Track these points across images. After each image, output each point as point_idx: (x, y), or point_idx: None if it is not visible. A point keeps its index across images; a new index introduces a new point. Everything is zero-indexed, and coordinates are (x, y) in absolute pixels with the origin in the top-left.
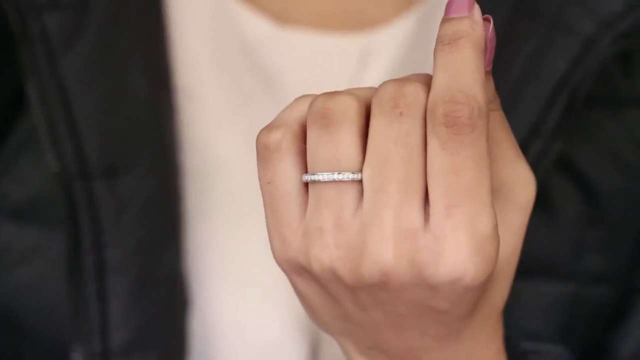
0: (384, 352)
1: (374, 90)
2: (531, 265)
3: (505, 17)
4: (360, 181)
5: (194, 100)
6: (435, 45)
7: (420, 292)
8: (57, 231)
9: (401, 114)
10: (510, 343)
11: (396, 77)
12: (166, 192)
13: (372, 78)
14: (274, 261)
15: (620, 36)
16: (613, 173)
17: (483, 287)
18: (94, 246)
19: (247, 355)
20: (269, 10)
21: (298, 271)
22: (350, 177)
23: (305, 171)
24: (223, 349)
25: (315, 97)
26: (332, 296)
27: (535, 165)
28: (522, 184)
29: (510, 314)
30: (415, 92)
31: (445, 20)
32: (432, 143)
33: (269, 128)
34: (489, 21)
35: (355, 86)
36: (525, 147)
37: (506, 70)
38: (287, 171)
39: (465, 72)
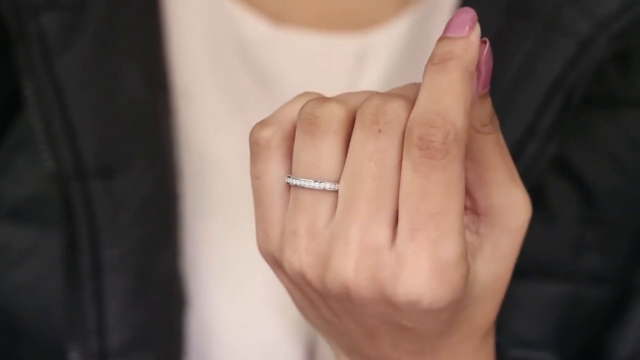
0: (363, 357)
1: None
2: (529, 265)
3: (501, 18)
4: (337, 192)
5: (191, 101)
6: (427, 63)
7: (383, 309)
8: (54, 231)
9: (379, 131)
10: (501, 350)
11: (394, 77)
12: (163, 192)
13: (369, 78)
14: None
15: (616, 36)
16: (610, 173)
17: (450, 311)
18: (90, 246)
19: (245, 356)
20: (266, 10)
21: (277, 266)
22: (327, 187)
23: (291, 172)
24: (220, 350)
25: (307, 102)
26: (308, 299)
27: (531, 166)
28: (514, 209)
29: (507, 315)
30: (396, 110)
31: (441, 38)
32: (405, 164)
33: (262, 124)
34: (485, 43)
35: (353, 86)
36: (521, 147)
37: (502, 70)
38: (273, 169)
39: (447, 96)
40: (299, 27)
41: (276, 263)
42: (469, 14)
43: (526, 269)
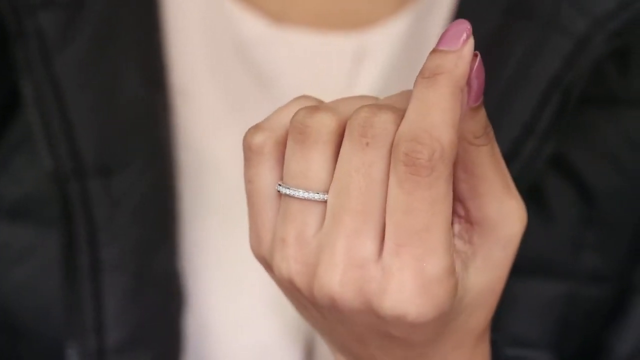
0: (356, 357)
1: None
2: (528, 264)
3: (500, 18)
4: (326, 202)
5: (189, 101)
6: (417, 76)
7: (370, 319)
8: (53, 230)
9: (367, 144)
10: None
11: (392, 76)
12: (161, 191)
13: (368, 77)
14: None
15: (614, 34)
16: (609, 172)
17: (436, 323)
18: (89, 245)
19: (243, 355)
20: (264, 9)
21: (268, 268)
22: (316, 197)
23: (282, 178)
24: (218, 348)
25: (298, 110)
26: (298, 301)
27: (529, 164)
28: (508, 220)
29: (505, 314)
30: (384, 123)
31: (434, 51)
32: (392, 179)
33: (255, 129)
34: (477, 57)
35: (352, 85)
36: (519, 145)
37: (500, 69)
38: (265, 175)
39: (435, 112)
40: (297, 27)
41: (268, 265)
42: (464, 25)
43: (525, 267)
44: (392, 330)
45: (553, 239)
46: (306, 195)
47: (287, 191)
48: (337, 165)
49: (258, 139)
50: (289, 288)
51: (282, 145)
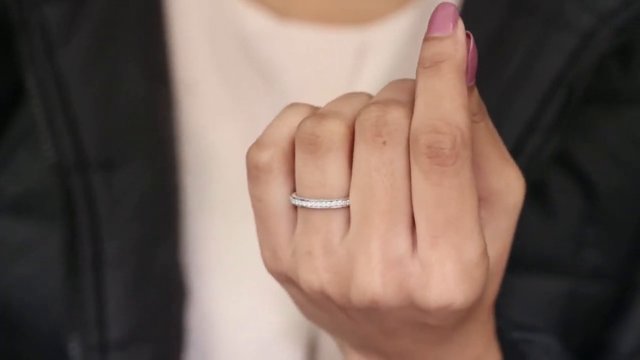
0: (378, 352)
1: (365, 101)
2: (530, 261)
3: (503, 13)
4: (348, 206)
5: (192, 95)
6: (417, 67)
7: (410, 313)
8: (54, 226)
9: (384, 142)
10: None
11: (395, 72)
12: (164, 185)
13: (370, 74)
14: None
15: (619, 30)
16: (611, 170)
17: (476, 304)
18: (91, 239)
19: (245, 350)
20: (268, 5)
21: (288, 282)
22: (338, 205)
23: (294, 189)
24: (220, 343)
25: (303, 120)
26: (321, 307)
27: (532, 160)
28: (510, 189)
29: (508, 310)
30: (397, 119)
31: (427, 39)
32: (415, 173)
33: (258, 146)
34: (470, 37)
35: (354, 81)
36: (522, 142)
37: (504, 65)
38: (277, 191)
39: (446, 99)
40: (300, 22)
41: (288, 280)
42: (450, 9)
43: (526, 263)
44: (430, 320)
45: (555, 236)
46: (327, 204)
47: (306, 203)
48: (354, 169)
49: (264, 156)
50: (319, 298)
51: (289, 158)
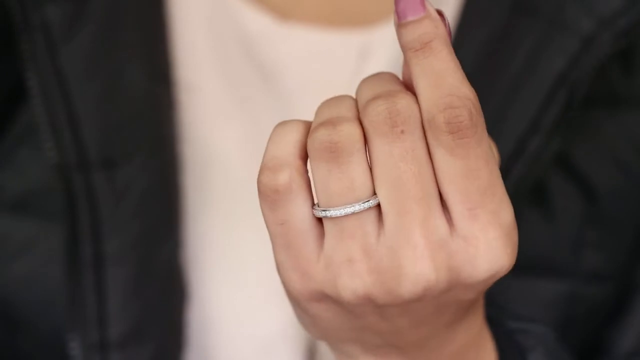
0: (395, 347)
1: (351, 103)
2: (529, 262)
3: (505, 14)
4: (377, 205)
5: (194, 94)
6: (406, 53)
7: (453, 293)
8: (55, 223)
9: (402, 132)
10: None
11: (397, 73)
12: (165, 184)
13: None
14: (272, 256)
15: (620, 34)
16: (612, 172)
17: None
18: (92, 237)
19: (245, 349)
20: (270, 5)
21: (319, 299)
22: (368, 206)
23: (313, 203)
24: (221, 342)
25: (314, 130)
26: (353, 315)
27: (534, 162)
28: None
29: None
30: (408, 106)
31: (403, 25)
32: (439, 153)
33: (272, 170)
34: (442, 14)
35: (356, 82)
36: (523, 143)
37: (506, 66)
38: (300, 210)
39: (448, 74)
40: (302, 23)
41: (322, 297)
42: None
43: (526, 265)
44: (467, 296)
45: (555, 238)
46: (359, 207)
47: (337, 212)
48: (376, 165)
49: (282, 178)
50: (360, 304)
51: (304, 174)
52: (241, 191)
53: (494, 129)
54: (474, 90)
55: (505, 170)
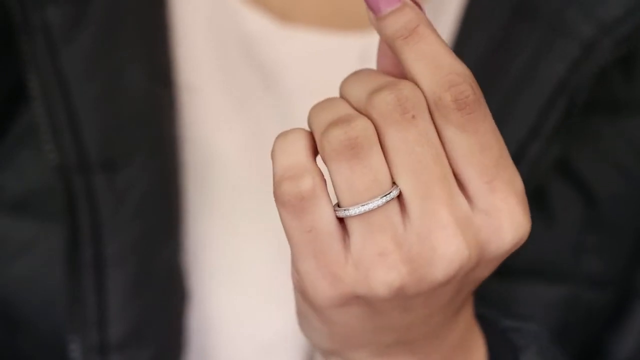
0: (405, 343)
1: (343, 103)
2: (529, 267)
3: (506, 19)
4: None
5: (195, 96)
6: (395, 43)
7: (477, 271)
8: (55, 224)
9: (413, 116)
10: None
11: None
12: (165, 186)
13: None
14: (272, 258)
15: (621, 40)
16: (612, 177)
17: None
18: (92, 239)
19: (245, 351)
20: (271, 8)
21: (347, 303)
22: (393, 195)
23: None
24: (221, 344)
25: (327, 131)
26: (377, 312)
27: (534, 167)
28: None
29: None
30: (413, 92)
31: (383, 18)
32: (450, 131)
33: (292, 179)
34: (417, 2)
35: None
36: (523, 148)
37: (506, 71)
38: (324, 213)
39: (442, 55)
40: (303, 25)
41: (353, 299)
42: None
43: (526, 270)
44: (485, 273)
45: (555, 243)
46: (386, 199)
47: (365, 208)
48: (392, 154)
49: (306, 184)
50: (392, 299)
51: (323, 178)
52: (242, 192)
53: None
54: (467, 67)
55: None
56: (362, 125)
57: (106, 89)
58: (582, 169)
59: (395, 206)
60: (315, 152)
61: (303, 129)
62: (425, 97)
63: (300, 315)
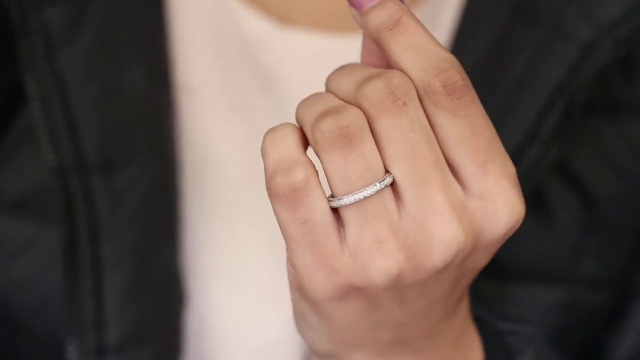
0: (404, 341)
1: (330, 96)
2: (529, 269)
3: (505, 21)
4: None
5: (194, 98)
6: (380, 35)
7: (474, 258)
8: (53, 226)
9: (405, 103)
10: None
11: None
12: (164, 188)
13: None
14: (271, 260)
15: (620, 42)
16: (611, 180)
17: None
18: (90, 241)
19: (244, 353)
20: (270, 10)
21: (345, 296)
22: (388, 183)
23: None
24: (219, 347)
25: (319, 121)
26: (375, 305)
27: (532, 170)
28: None
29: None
30: (403, 79)
31: (367, 12)
32: (441, 117)
33: (285, 171)
34: None
35: None
36: (522, 151)
37: (505, 73)
38: (319, 204)
39: (429, 45)
40: (302, 27)
41: (345, 293)
42: None
43: (525, 273)
44: (484, 261)
45: (553, 246)
46: (379, 186)
47: (360, 196)
48: (385, 142)
49: (299, 175)
50: (388, 290)
51: (315, 169)
52: (240, 194)
53: None
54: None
55: None
56: (354, 115)
57: (105, 90)
58: (581, 170)
59: (389, 194)
60: (305, 146)
61: (292, 124)
62: (414, 85)
63: (298, 314)
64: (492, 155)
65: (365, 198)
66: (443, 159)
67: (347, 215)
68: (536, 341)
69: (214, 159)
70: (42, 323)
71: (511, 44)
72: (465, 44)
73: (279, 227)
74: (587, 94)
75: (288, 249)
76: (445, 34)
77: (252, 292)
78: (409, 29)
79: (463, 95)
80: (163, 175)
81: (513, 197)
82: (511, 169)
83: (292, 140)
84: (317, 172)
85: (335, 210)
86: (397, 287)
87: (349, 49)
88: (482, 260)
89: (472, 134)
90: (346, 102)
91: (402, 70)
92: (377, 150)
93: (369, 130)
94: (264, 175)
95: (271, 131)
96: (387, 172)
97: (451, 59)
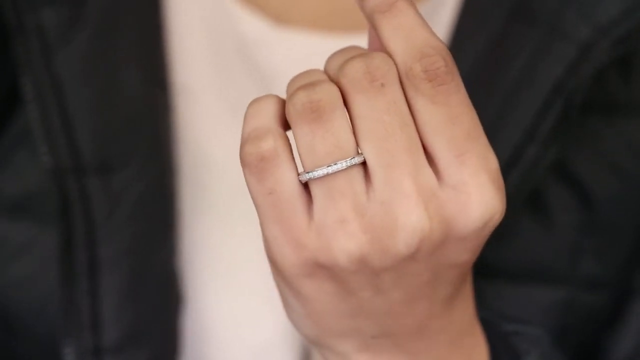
0: (390, 335)
1: (320, 73)
2: (527, 270)
3: (503, 21)
4: (362, 163)
5: (190, 99)
6: (374, 17)
7: (447, 251)
8: (51, 227)
9: (382, 85)
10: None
11: None
12: (160, 189)
13: None
14: (267, 260)
15: (618, 42)
16: (609, 179)
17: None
18: (86, 243)
19: (240, 354)
20: (266, 10)
21: (312, 272)
22: (356, 162)
23: (297, 170)
24: (216, 348)
25: (294, 92)
26: (347, 290)
27: (530, 170)
28: None
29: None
30: (385, 61)
31: None
32: (420, 102)
33: (254, 139)
34: None
35: None
36: (520, 151)
37: (502, 73)
38: (287, 176)
39: (418, 29)
40: (299, 27)
41: (311, 270)
42: None
43: (524, 273)
44: (462, 255)
45: (552, 246)
46: (347, 163)
47: (327, 170)
48: (359, 121)
49: (267, 144)
50: (355, 271)
51: (287, 140)
52: (237, 197)
53: (490, 137)
54: (444, 43)
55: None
56: (326, 90)
57: (101, 91)
58: (579, 170)
59: (359, 174)
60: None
61: (277, 96)
62: (397, 68)
63: (281, 295)
64: (471, 145)
65: (331, 174)
66: (418, 144)
67: (314, 191)
68: (541, 342)
69: (211, 160)
70: (40, 324)
71: (509, 44)
72: (463, 44)
73: None
74: (586, 94)
75: (259, 219)
76: (444, 33)
77: (249, 293)
78: (402, 13)
79: (445, 82)
80: (160, 176)
81: (488, 191)
82: (492, 162)
83: (270, 111)
84: (289, 143)
85: (307, 186)
86: (365, 270)
87: None
88: (459, 254)
89: (449, 122)
90: (331, 78)
91: (388, 53)
92: (349, 128)
93: (343, 107)
94: None
95: (254, 100)
96: (360, 153)
97: (439, 45)
